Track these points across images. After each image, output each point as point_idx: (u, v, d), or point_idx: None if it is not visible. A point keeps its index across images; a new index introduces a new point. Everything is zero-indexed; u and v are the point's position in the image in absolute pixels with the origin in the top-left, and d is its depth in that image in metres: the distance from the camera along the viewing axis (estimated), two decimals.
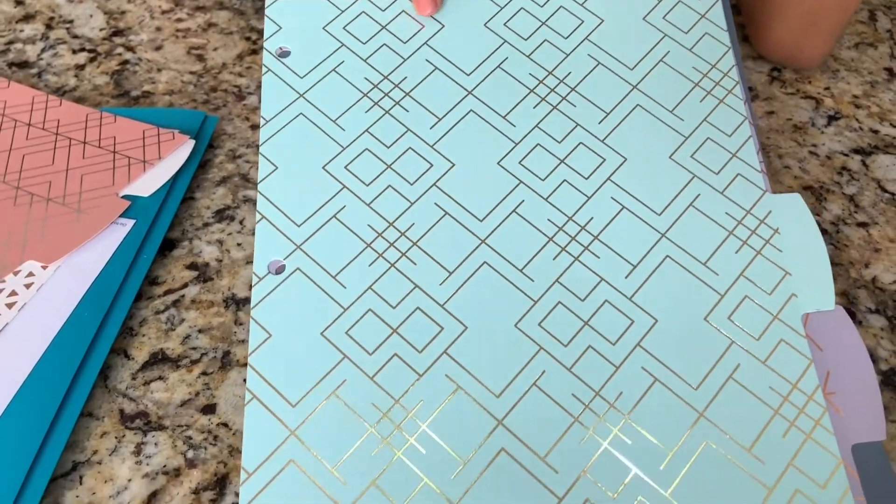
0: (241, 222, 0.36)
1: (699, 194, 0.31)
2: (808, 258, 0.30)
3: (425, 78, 0.33)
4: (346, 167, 0.30)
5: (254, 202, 0.36)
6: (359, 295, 0.28)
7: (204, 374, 0.30)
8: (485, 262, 0.29)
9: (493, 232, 0.29)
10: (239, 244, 0.35)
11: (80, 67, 0.44)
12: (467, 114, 0.32)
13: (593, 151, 0.31)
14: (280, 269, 0.28)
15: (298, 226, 0.29)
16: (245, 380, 0.30)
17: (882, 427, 0.27)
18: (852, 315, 0.32)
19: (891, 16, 0.46)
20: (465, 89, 0.33)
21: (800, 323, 0.28)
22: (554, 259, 0.29)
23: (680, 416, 0.27)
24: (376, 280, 0.28)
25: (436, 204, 0.30)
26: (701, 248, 0.30)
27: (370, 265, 0.28)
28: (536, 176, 0.31)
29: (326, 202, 0.30)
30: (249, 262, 0.34)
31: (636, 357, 0.28)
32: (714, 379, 0.27)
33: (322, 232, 0.29)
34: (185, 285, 0.33)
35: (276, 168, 0.30)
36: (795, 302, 0.29)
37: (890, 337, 0.32)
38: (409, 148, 0.31)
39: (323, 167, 0.30)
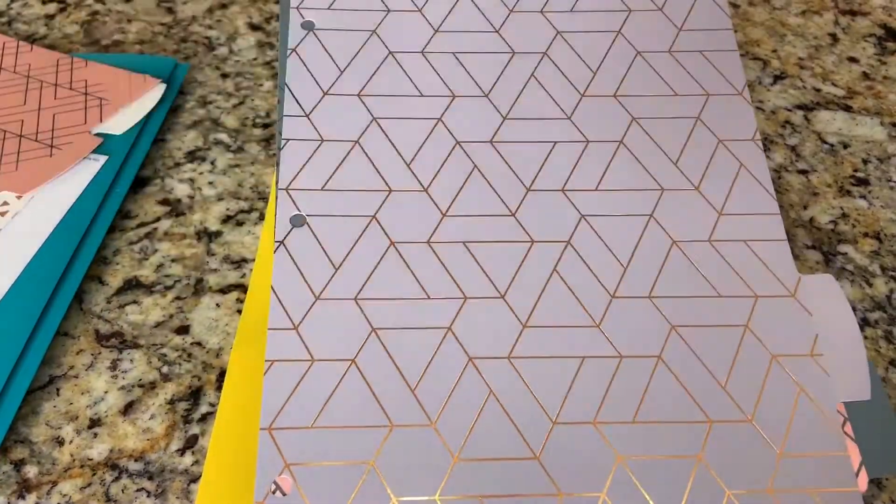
0: (212, 163, 0.37)
1: None
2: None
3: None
4: None
5: (225, 145, 0.37)
6: None
7: (177, 298, 0.31)
8: None
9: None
10: (210, 182, 0.36)
11: (51, 17, 0.44)
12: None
13: None
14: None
15: None
16: (218, 304, 0.31)
17: (867, 386, 0.26)
18: (792, 252, 0.35)
19: None
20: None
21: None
22: None
23: None
24: None
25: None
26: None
27: None
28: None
29: None
30: (221, 198, 0.35)
31: None
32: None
33: None
34: (158, 219, 0.34)
35: None
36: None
37: (823, 269, 0.34)
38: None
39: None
